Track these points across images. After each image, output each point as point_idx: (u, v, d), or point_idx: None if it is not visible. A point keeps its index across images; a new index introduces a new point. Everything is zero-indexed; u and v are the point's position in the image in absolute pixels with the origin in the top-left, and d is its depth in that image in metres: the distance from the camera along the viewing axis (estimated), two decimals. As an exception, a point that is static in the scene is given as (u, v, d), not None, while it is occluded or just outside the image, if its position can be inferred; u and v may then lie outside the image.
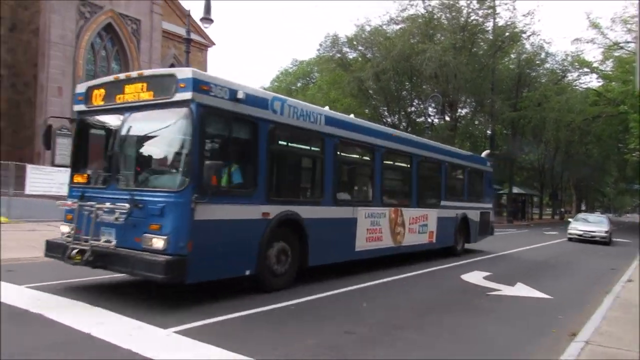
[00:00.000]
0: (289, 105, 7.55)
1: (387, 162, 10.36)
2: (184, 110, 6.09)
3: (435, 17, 33.47)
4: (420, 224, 11.42)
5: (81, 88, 7.40)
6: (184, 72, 6.17)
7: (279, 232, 7.35)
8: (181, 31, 25.97)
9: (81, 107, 7.32)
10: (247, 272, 6.84)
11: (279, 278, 7.40)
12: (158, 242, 5.90)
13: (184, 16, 20.64)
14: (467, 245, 14.02)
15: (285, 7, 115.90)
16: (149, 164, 6.75)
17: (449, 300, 7.74)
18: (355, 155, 9.81)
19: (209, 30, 26.76)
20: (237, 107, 6.61)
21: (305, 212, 7.81)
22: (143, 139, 6.73)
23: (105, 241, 6.23)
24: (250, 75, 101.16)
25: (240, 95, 6.60)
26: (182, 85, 6.11)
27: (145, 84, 6.52)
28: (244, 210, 6.72)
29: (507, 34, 33.74)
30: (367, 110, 36.57)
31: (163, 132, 6.44)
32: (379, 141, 9.80)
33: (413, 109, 38.81)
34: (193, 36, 20.39)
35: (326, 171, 8.31)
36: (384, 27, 35.05)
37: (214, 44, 33.69)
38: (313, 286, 7.84)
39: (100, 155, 7.24)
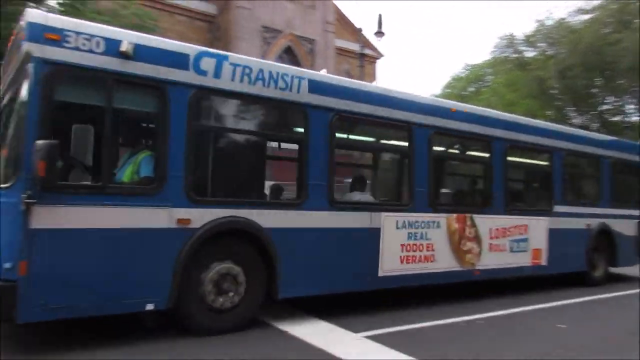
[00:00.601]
0: (232, 65, 5.26)
1: (438, 146, 7.29)
2: (25, 71, 4.29)
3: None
4: (513, 239, 7.95)
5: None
6: (28, 15, 4.34)
7: (220, 249, 5.09)
8: (351, 46, 27.38)
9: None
10: (150, 307, 4.70)
11: (222, 316, 5.11)
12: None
13: (354, 32, 24.16)
14: (610, 269, 9.82)
15: (454, 11, 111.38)
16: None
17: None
18: (373, 137, 7.02)
19: (377, 42, 28.32)
20: (126, 65, 4.59)
21: (271, 218, 5.39)
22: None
23: None
24: (421, 84, 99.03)
25: (125, 48, 4.56)
26: (21, 36, 4.33)
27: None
28: (138, 215, 4.62)
29: None
30: (550, 112, 32.33)
31: (10, 105, 4.71)
32: (419, 117, 6.81)
33: (606, 107, 33.31)
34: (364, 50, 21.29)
35: (312, 160, 5.76)
36: (568, 18, 30.83)
37: (382, 55, 33.27)
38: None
39: None
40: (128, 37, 4.63)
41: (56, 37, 4.28)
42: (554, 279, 8.91)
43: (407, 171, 6.78)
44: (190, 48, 5.07)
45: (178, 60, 4.90)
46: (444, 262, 6.96)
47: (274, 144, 6.27)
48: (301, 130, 5.79)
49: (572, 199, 9.11)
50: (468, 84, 58.17)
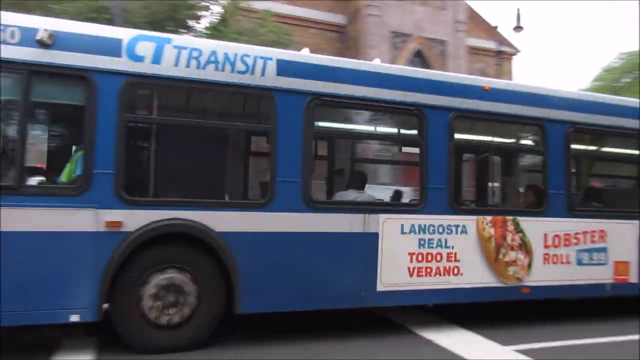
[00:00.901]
0: (176, 48, 4.68)
1: (462, 133, 6.00)
2: None
3: None
4: (583, 248, 6.27)
5: None
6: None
7: (160, 256, 4.53)
8: (485, 44, 27.31)
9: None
10: (75, 318, 4.27)
11: (169, 332, 4.53)
12: None
13: (488, 30, 23.74)
14: None
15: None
16: None
17: None
18: (366, 124, 5.95)
19: (515, 37, 27.54)
20: (45, 55, 4.27)
21: (227, 221, 4.70)
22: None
23: None
24: (564, 78, 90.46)
25: (42, 36, 4.24)
26: None
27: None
28: (60, 218, 4.23)
29: None
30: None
31: None
32: (432, 98, 5.52)
33: None
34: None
35: (279, 152, 4.93)
36: None
37: (519, 51, 31.44)
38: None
39: None
40: (46, 25, 4.30)
41: (-35, 30, 4.08)
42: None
43: (418, 164, 5.61)
44: (124, 32, 4.61)
45: (108, 46, 4.46)
46: (475, 275, 5.64)
47: (237, 136, 5.54)
48: (268, 118, 5.01)
49: None
50: (622, 74, 52.16)
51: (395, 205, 5.95)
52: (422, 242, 5.42)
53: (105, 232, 4.33)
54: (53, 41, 4.27)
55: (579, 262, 6.17)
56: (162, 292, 4.50)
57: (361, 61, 5.75)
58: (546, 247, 5.99)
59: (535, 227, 5.96)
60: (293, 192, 4.92)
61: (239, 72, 4.83)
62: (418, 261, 5.40)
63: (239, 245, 4.67)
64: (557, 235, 6.05)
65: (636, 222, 6.49)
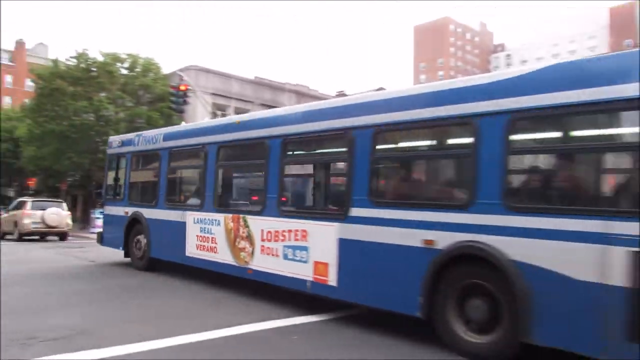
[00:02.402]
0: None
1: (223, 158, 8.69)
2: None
3: None
4: (288, 245, 7.20)
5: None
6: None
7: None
8: None
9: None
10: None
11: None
12: None
13: None
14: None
15: None
16: None
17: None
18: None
19: None
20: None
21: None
22: None
23: None
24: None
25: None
26: None
27: None
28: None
29: None
30: None
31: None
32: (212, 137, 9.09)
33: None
34: None
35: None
36: None
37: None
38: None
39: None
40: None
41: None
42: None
43: (200, 180, 9.30)
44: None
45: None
46: (224, 255, 8.44)
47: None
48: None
49: (393, 197, 6.15)
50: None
51: (193, 206, 9.32)
52: (202, 229, 8.91)
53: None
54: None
55: (285, 257, 7.33)
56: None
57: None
58: (262, 240, 7.70)
59: (256, 224, 7.84)
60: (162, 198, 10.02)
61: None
62: (200, 241, 8.93)
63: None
64: (269, 232, 7.60)
65: (336, 224, 6.67)
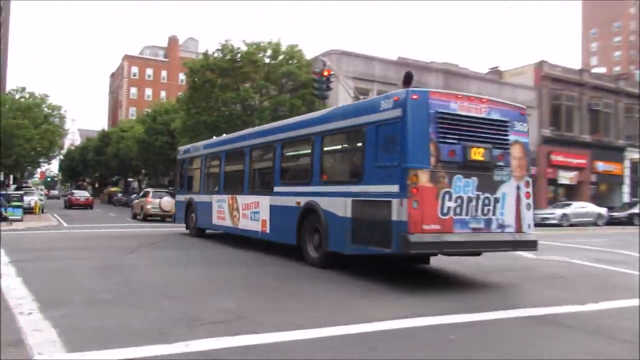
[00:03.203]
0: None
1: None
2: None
3: None
4: (252, 211, 12.40)
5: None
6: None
7: None
8: None
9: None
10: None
11: None
12: None
13: None
14: None
15: None
16: None
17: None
18: None
19: None
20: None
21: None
22: None
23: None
24: None
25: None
26: None
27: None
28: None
29: None
30: None
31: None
32: None
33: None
34: None
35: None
36: None
37: None
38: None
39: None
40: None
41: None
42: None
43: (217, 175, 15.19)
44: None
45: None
46: (228, 221, 13.69)
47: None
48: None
49: (287, 180, 11.43)
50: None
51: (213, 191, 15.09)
52: (219, 205, 14.41)
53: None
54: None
55: (251, 218, 12.43)
56: None
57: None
58: (242, 209, 12.96)
59: (240, 199, 13.15)
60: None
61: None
62: (218, 213, 14.37)
63: None
64: (244, 204, 12.89)
65: (268, 196, 11.72)
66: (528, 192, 8.74)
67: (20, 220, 22.36)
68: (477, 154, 8.16)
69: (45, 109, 52.69)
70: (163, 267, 9.87)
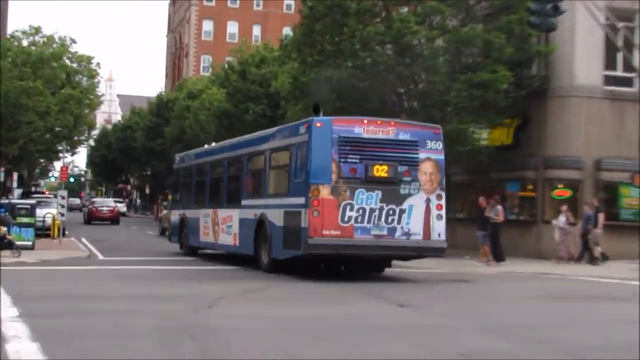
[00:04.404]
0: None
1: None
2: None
3: None
4: (226, 225, 13.16)
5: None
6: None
7: None
8: None
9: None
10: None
11: None
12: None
13: None
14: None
15: None
16: None
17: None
18: None
19: None
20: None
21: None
22: None
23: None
24: None
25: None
26: None
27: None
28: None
29: None
30: None
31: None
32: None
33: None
34: None
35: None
36: None
37: None
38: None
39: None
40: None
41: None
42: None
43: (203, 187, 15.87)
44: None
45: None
46: (211, 237, 14.21)
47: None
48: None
49: (249, 193, 12.57)
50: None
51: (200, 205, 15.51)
52: (204, 220, 14.75)
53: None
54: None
55: (226, 232, 13.28)
56: None
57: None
58: (220, 224, 13.65)
59: (219, 212, 13.79)
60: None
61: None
62: (204, 229, 14.89)
63: None
64: (223, 217, 13.58)
65: (237, 209, 12.73)
66: (440, 204, 10.01)
67: (32, 248, 14.78)
68: (381, 170, 9.71)
69: (68, 62, 34.81)
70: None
